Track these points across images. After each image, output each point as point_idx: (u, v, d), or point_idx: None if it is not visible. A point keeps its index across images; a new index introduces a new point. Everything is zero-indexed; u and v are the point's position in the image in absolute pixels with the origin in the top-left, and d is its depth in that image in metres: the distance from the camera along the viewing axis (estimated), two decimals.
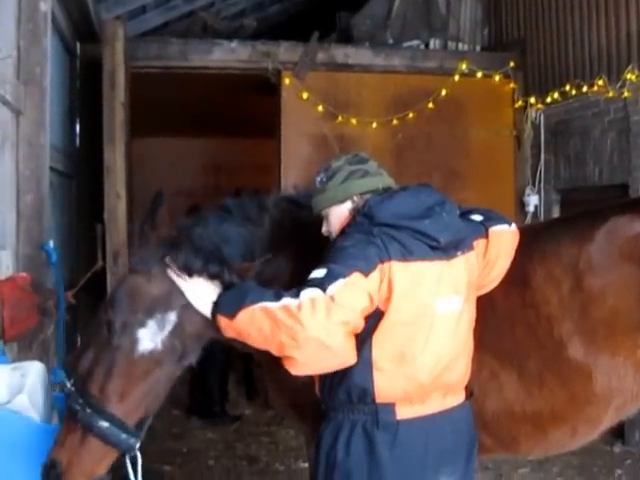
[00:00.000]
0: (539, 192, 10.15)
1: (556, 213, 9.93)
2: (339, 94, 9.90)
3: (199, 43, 9.74)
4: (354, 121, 9.76)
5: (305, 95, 9.71)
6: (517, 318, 3.99)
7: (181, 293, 3.42)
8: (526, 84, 10.52)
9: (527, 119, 10.35)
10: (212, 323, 3.35)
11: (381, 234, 3.30)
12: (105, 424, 3.25)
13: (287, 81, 9.76)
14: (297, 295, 3.14)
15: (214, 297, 3.35)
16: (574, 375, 3.91)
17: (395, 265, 3.25)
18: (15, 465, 2.74)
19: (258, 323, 3.14)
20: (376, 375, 3.32)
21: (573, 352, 3.90)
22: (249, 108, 12.22)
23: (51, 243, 4.47)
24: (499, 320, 4.00)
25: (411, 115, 9.97)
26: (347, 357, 3.25)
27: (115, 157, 7.48)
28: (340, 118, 9.73)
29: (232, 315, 3.19)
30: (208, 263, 3.39)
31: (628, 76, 8.34)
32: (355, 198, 3.55)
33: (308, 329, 3.07)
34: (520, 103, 10.41)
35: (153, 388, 3.43)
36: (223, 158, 15.56)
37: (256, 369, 11.38)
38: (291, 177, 9.51)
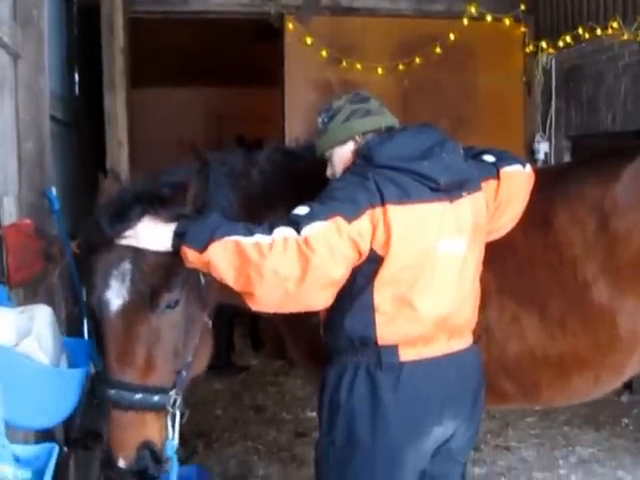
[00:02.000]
0: (549, 139, 10.11)
1: (567, 160, 9.87)
2: (344, 39, 9.84)
3: None
4: (359, 66, 9.72)
5: (309, 40, 9.67)
6: (539, 260, 4.00)
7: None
8: (537, 28, 10.43)
9: (538, 64, 10.25)
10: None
11: (376, 176, 3.29)
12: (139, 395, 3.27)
13: (290, 26, 9.69)
14: (270, 231, 3.15)
15: (170, 231, 3.25)
16: (598, 319, 3.92)
17: (392, 208, 3.23)
18: (25, 408, 2.77)
19: (228, 257, 3.11)
20: (378, 319, 3.35)
21: (597, 295, 3.90)
22: (251, 55, 12.16)
23: (53, 190, 4.49)
24: (520, 263, 4.02)
25: (418, 60, 9.93)
26: (315, 303, 3.27)
27: (116, 104, 7.48)
28: (345, 63, 9.69)
29: (202, 247, 3.13)
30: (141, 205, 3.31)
31: None
32: (357, 138, 3.55)
33: (277, 268, 3.07)
34: (531, 48, 10.32)
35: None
36: (225, 107, 15.49)
37: (262, 321, 11.46)
38: (295, 124, 9.50)
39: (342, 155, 3.59)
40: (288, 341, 4.36)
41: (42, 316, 2.99)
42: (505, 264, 3.98)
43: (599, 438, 7.56)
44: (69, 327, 4.45)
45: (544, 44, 10.05)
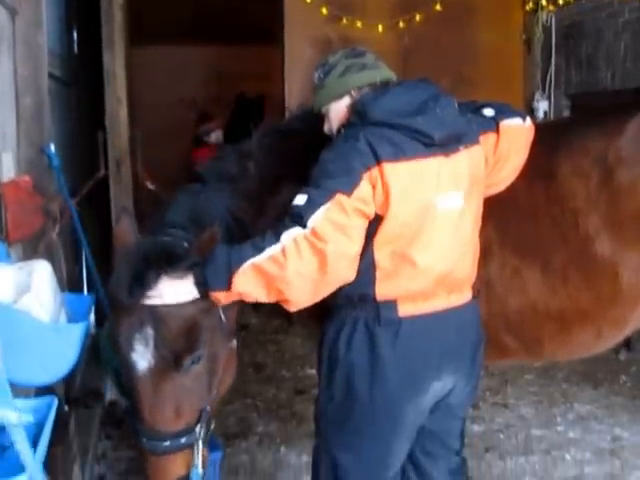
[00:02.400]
0: (549, 97, 10.06)
1: None
2: None
3: None
4: (359, 24, 9.62)
5: None
6: (541, 214, 3.99)
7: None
8: None
9: (538, 22, 10.17)
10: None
11: (369, 136, 3.25)
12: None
13: None
14: (278, 239, 3.14)
15: (190, 283, 3.26)
16: (600, 271, 3.92)
17: (387, 167, 3.21)
18: (25, 365, 2.76)
19: (253, 281, 3.14)
20: (378, 275, 3.35)
21: (600, 247, 3.90)
22: (252, 13, 12.09)
23: (52, 147, 4.47)
24: (522, 216, 4.02)
25: (418, 18, 9.83)
26: (345, 279, 3.27)
27: (115, 61, 7.41)
28: (345, 21, 9.61)
29: (226, 286, 3.17)
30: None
31: None
32: (353, 92, 3.52)
33: (299, 270, 3.09)
34: (531, 5, 10.24)
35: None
36: (225, 66, 15.39)
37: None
38: (295, 82, 9.45)
39: (338, 110, 3.57)
40: None
41: (41, 272, 2.96)
42: (507, 218, 3.98)
43: (597, 395, 7.56)
44: (69, 284, 4.44)
45: (544, 1, 9.97)
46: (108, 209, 7.46)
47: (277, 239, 3.14)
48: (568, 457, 6.24)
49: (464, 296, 3.58)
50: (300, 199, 3.20)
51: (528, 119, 3.94)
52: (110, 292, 3.39)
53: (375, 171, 3.20)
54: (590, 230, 3.90)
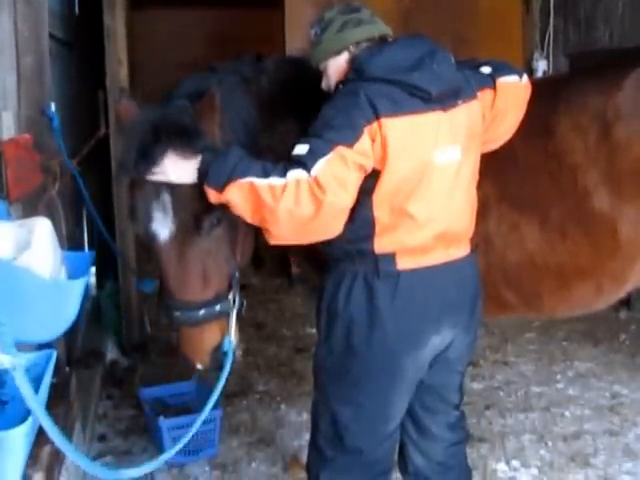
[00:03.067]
0: (548, 57, 10.01)
1: None
2: None
3: None
4: None
5: None
6: (539, 169, 4.00)
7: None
8: None
9: None
10: None
11: (367, 92, 3.23)
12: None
13: None
14: (284, 174, 3.13)
15: (194, 165, 3.28)
16: (598, 226, 3.93)
17: (386, 122, 3.19)
18: (25, 321, 2.74)
19: (245, 197, 3.15)
20: (377, 230, 3.34)
21: (598, 202, 3.90)
22: None
23: (52, 106, 4.43)
24: (520, 171, 4.02)
25: None
26: (332, 231, 3.27)
27: (115, 22, 7.33)
28: None
29: (221, 188, 3.18)
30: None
31: None
32: (351, 48, 3.49)
33: (291, 210, 3.10)
34: None
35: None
36: (226, 29, 15.31)
37: (261, 237, 11.44)
38: (296, 44, 9.36)
39: (337, 66, 3.55)
40: (296, 253, 4.35)
41: (41, 229, 2.93)
42: (505, 173, 3.99)
43: (597, 353, 7.59)
44: (69, 242, 4.42)
45: None
46: (109, 168, 7.42)
47: (284, 174, 3.12)
48: (567, 414, 6.27)
49: (463, 250, 3.58)
50: (301, 149, 3.18)
51: (525, 76, 3.91)
52: (118, 167, 3.53)
53: (374, 125, 3.18)
54: (589, 185, 3.90)
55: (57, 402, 3.99)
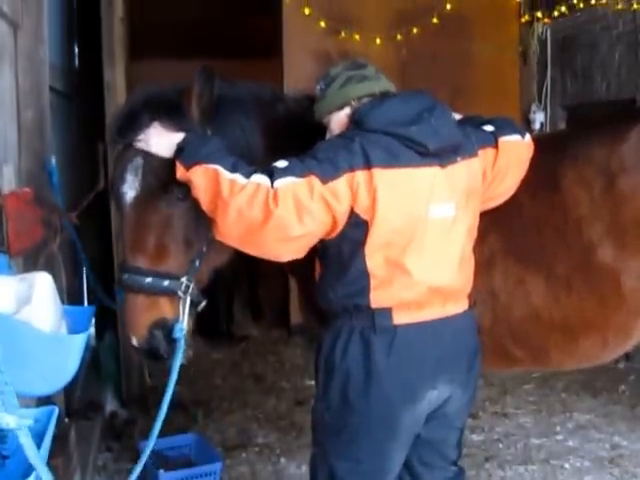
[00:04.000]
0: (545, 109, 10.11)
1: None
2: (341, 9, 9.75)
3: None
4: (357, 37, 9.65)
5: (307, 11, 9.59)
6: (545, 222, 4.00)
7: None
8: None
9: (533, 34, 10.26)
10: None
11: (364, 140, 3.27)
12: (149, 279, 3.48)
13: None
14: (249, 175, 3.22)
15: (175, 140, 3.42)
16: (603, 279, 3.91)
17: (378, 172, 3.22)
18: (25, 375, 2.74)
19: (206, 182, 3.24)
20: (373, 284, 3.35)
21: (602, 255, 3.89)
22: (251, 27, 12.08)
23: (53, 160, 4.45)
24: (526, 225, 4.02)
25: (415, 31, 9.85)
26: (274, 252, 3.34)
27: (115, 74, 7.39)
28: (343, 34, 9.62)
29: (188, 166, 3.29)
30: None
31: None
32: (353, 103, 3.53)
33: (242, 210, 3.17)
34: (526, 18, 10.32)
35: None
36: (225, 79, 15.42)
37: (261, 291, 11.48)
38: None
39: (339, 120, 3.58)
40: (302, 301, 4.37)
41: (42, 284, 2.94)
42: (511, 227, 3.99)
43: (596, 404, 7.57)
44: (69, 296, 4.42)
45: (539, 14, 10.05)
46: (108, 221, 7.44)
47: (249, 175, 3.21)
48: (567, 466, 6.23)
49: (460, 306, 3.58)
50: (281, 163, 3.27)
51: (527, 135, 3.92)
52: (108, 132, 3.79)
53: (360, 175, 3.21)
54: (593, 238, 3.90)
55: (57, 453, 3.98)
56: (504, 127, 3.82)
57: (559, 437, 6.78)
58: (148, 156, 3.49)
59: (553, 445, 6.63)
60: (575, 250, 3.94)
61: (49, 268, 3.70)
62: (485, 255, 3.76)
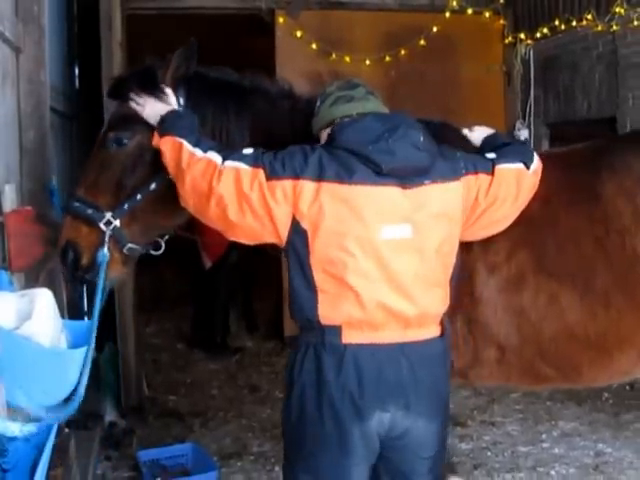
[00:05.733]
0: (529, 126, 10.12)
1: (545, 147, 9.88)
2: (332, 32, 9.74)
3: None
4: (348, 59, 9.62)
5: (299, 33, 9.57)
6: (583, 235, 3.87)
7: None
8: (516, 20, 10.40)
9: (517, 55, 10.28)
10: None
11: (323, 153, 3.28)
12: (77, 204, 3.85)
13: (281, 20, 9.63)
14: (206, 149, 3.45)
15: (161, 110, 3.79)
16: None
17: (327, 185, 3.21)
18: (27, 389, 2.74)
19: (171, 152, 3.53)
20: (321, 298, 3.30)
21: None
22: (244, 49, 12.09)
23: (54, 180, 4.45)
24: (561, 240, 3.88)
25: (403, 52, 9.84)
26: (221, 229, 3.50)
27: None
28: (334, 56, 9.60)
29: (161, 134, 3.61)
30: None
31: (617, 10, 8.23)
32: (337, 121, 3.51)
33: (194, 182, 3.41)
34: (510, 39, 10.32)
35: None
36: None
37: (256, 304, 11.48)
38: None
39: (324, 138, 3.57)
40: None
41: (42, 300, 2.94)
42: (544, 243, 3.87)
43: (581, 412, 7.55)
44: (70, 311, 4.41)
45: (522, 35, 10.06)
46: None
47: (206, 149, 3.45)
48: (553, 473, 6.22)
49: (426, 332, 3.44)
50: (246, 150, 3.44)
51: (534, 165, 3.74)
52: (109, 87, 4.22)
53: (308, 184, 3.23)
54: (638, 250, 3.80)
55: (57, 463, 3.96)
56: (508, 155, 3.69)
57: (545, 445, 6.76)
58: (117, 112, 4.05)
59: (539, 452, 6.62)
60: (616, 262, 3.82)
61: (50, 284, 3.70)
62: (513, 273, 3.67)
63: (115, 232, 3.82)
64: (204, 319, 10.32)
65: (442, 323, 3.51)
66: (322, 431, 3.36)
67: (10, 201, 3.71)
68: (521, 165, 3.69)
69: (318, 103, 3.67)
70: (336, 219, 3.21)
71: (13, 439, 2.56)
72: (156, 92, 3.90)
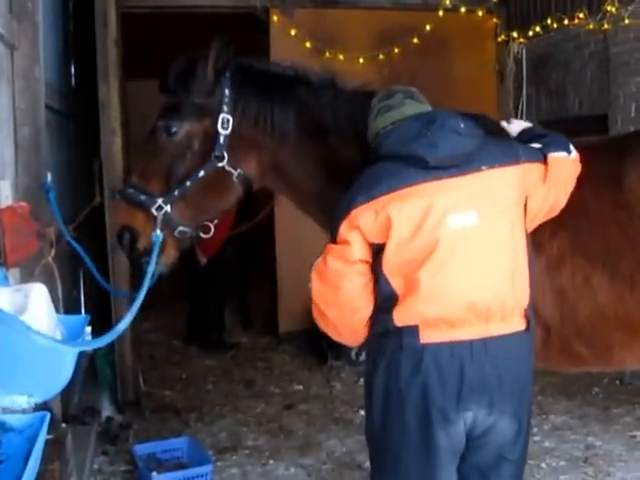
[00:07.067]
0: None
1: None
2: (326, 30, 9.78)
3: None
4: (341, 57, 9.63)
5: (293, 32, 9.62)
6: (610, 221, 3.91)
7: None
8: (508, 18, 10.46)
9: (509, 53, 10.32)
10: None
11: (369, 171, 3.36)
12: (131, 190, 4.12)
13: (275, 18, 9.69)
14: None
15: None
16: None
17: (382, 200, 3.23)
18: (20, 382, 2.74)
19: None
20: (397, 302, 3.27)
21: None
22: (239, 47, 12.09)
23: (49, 176, 4.45)
24: (592, 224, 3.93)
25: (396, 50, 9.89)
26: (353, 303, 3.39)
27: (109, 93, 7.40)
28: (328, 54, 9.61)
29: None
30: None
31: (608, 8, 8.25)
32: (382, 132, 3.53)
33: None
34: (502, 37, 10.36)
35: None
36: None
37: (251, 301, 11.50)
38: None
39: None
40: None
41: (37, 294, 2.93)
42: (578, 226, 3.90)
43: (571, 407, 7.59)
44: (66, 305, 4.42)
45: (515, 34, 10.09)
46: (104, 236, 7.45)
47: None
48: (544, 465, 6.25)
49: (509, 326, 3.34)
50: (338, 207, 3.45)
51: (574, 152, 3.74)
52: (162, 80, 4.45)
53: (363, 207, 3.26)
54: None
55: (54, 457, 3.96)
56: (552, 144, 3.69)
57: (536, 438, 6.75)
58: (166, 102, 4.28)
59: (530, 446, 6.48)
60: (639, 247, 3.85)
61: (45, 279, 3.70)
62: (554, 253, 3.69)
63: (166, 217, 4.05)
64: (200, 315, 10.33)
65: (526, 316, 3.41)
66: (406, 436, 3.32)
67: (5, 197, 3.70)
68: (566, 154, 3.69)
69: (369, 115, 3.70)
70: (400, 224, 3.21)
71: (7, 431, 2.56)
72: (201, 84, 4.13)
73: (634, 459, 6.35)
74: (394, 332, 3.28)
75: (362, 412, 7.55)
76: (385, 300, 3.30)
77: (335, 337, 3.55)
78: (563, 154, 3.68)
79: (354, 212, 3.26)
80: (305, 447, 6.82)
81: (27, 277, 3.75)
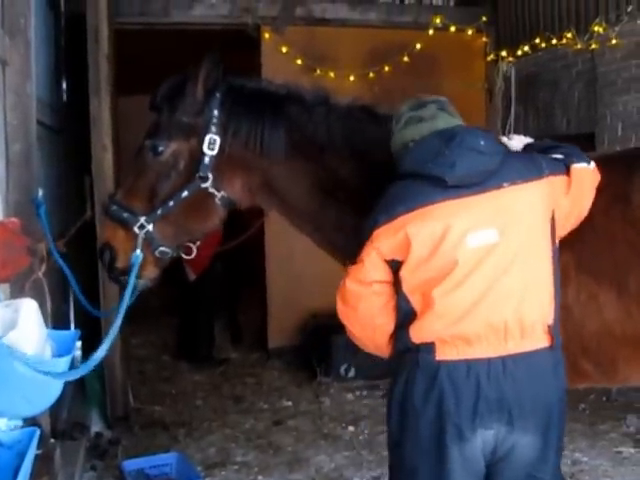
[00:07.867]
0: None
1: None
2: (317, 48, 9.82)
3: None
4: (332, 74, 9.68)
5: (284, 49, 9.67)
6: (617, 237, 3.85)
7: None
8: (498, 38, 10.53)
9: (498, 72, 10.38)
10: None
11: (389, 191, 3.31)
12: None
13: (267, 36, 9.73)
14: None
15: None
16: None
17: (401, 220, 3.19)
18: (9, 397, 2.73)
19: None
20: (413, 319, 3.25)
21: None
22: (230, 64, 12.11)
23: (40, 192, 4.44)
24: (599, 241, 3.87)
25: (387, 68, 9.95)
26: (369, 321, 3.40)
27: (101, 109, 7.40)
28: (318, 71, 9.65)
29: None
30: None
31: (596, 28, 8.33)
32: (410, 144, 3.46)
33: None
34: (492, 56, 10.44)
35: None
36: None
37: (241, 317, 11.49)
38: None
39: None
40: None
41: (27, 309, 2.93)
42: (584, 242, 3.83)
43: None
44: (57, 321, 4.41)
45: (504, 53, 10.16)
46: (94, 250, 7.43)
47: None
48: None
49: (530, 343, 3.27)
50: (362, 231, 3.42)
51: (592, 162, 3.71)
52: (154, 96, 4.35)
53: (382, 228, 3.24)
54: None
55: (42, 472, 3.95)
56: (573, 155, 3.64)
57: None
58: (154, 121, 4.19)
59: None
60: None
61: (35, 294, 3.69)
62: (560, 269, 3.69)
63: (147, 235, 4.01)
64: (189, 331, 10.31)
65: (550, 332, 3.33)
66: (421, 451, 3.28)
67: None
68: (586, 164, 3.65)
69: (394, 122, 3.62)
70: (419, 244, 3.17)
71: None
72: (190, 104, 4.07)
73: (620, 475, 6.35)
74: (412, 349, 3.25)
75: (351, 428, 7.56)
76: (405, 317, 3.28)
77: (366, 350, 3.58)
78: (585, 164, 3.64)
79: (376, 232, 3.24)
80: (294, 463, 6.79)
81: (17, 293, 3.74)
